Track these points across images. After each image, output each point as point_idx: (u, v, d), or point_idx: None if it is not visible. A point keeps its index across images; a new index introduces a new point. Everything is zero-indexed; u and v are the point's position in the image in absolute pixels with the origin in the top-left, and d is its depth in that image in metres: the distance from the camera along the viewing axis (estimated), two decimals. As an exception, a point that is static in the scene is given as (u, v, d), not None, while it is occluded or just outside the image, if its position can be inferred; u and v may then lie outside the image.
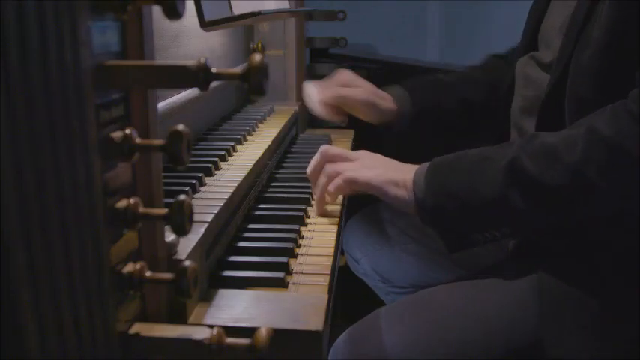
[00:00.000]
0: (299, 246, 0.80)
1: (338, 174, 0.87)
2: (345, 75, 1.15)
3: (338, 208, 0.93)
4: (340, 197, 0.95)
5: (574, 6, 0.84)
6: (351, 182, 0.86)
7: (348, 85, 1.12)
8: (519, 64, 0.98)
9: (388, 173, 0.85)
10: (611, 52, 0.76)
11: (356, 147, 1.33)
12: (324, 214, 0.91)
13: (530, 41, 0.99)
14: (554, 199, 0.75)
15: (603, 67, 0.77)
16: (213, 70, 0.43)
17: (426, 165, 0.83)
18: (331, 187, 0.88)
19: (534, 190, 0.74)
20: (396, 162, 0.89)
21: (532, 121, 0.88)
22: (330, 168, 0.88)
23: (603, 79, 0.77)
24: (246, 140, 1.08)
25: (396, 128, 1.16)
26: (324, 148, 0.92)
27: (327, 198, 0.91)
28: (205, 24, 0.80)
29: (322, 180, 0.89)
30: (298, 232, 0.82)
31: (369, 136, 1.42)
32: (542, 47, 0.96)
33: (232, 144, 1.00)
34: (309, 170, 0.92)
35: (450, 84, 1.19)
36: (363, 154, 0.91)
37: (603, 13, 0.76)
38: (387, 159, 0.90)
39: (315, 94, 1.11)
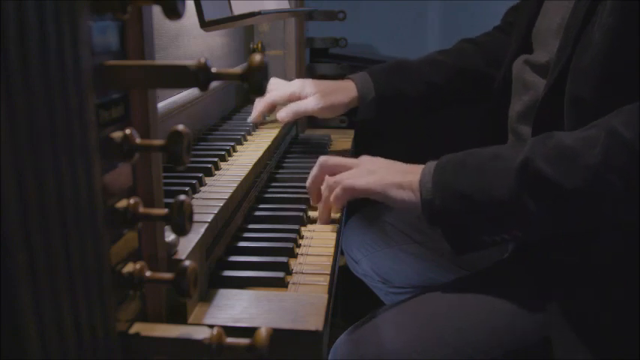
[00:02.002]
0: (299, 246, 0.80)
1: (338, 184, 0.85)
2: (281, 87, 1.17)
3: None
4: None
5: (571, 6, 0.83)
6: (349, 190, 0.83)
7: (298, 98, 1.14)
8: (515, 67, 0.98)
9: (390, 176, 0.82)
10: (615, 54, 0.74)
11: (356, 146, 1.33)
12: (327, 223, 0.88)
13: (524, 42, 0.99)
14: (573, 202, 0.71)
15: (606, 70, 0.75)
16: (213, 70, 0.43)
17: (432, 164, 0.80)
18: (332, 199, 0.85)
19: (550, 192, 0.70)
20: (400, 163, 0.86)
21: (530, 127, 0.87)
22: (331, 180, 0.86)
23: (605, 81, 0.75)
24: (246, 140, 1.08)
25: (361, 114, 1.18)
26: (322, 159, 0.89)
27: (329, 210, 0.88)
28: (205, 24, 0.80)
29: (325, 194, 0.86)
30: (298, 232, 0.82)
31: (369, 135, 1.42)
32: (536, 48, 0.95)
33: (232, 144, 1.00)
34: (308, 182, 0.91)
35: (414, 68, 1.20)
36: (364, 160, 0.88)
37: (605, 14, 0.74)
38: (390, 161, 0.87)
39: (263, 110, 1.17)
